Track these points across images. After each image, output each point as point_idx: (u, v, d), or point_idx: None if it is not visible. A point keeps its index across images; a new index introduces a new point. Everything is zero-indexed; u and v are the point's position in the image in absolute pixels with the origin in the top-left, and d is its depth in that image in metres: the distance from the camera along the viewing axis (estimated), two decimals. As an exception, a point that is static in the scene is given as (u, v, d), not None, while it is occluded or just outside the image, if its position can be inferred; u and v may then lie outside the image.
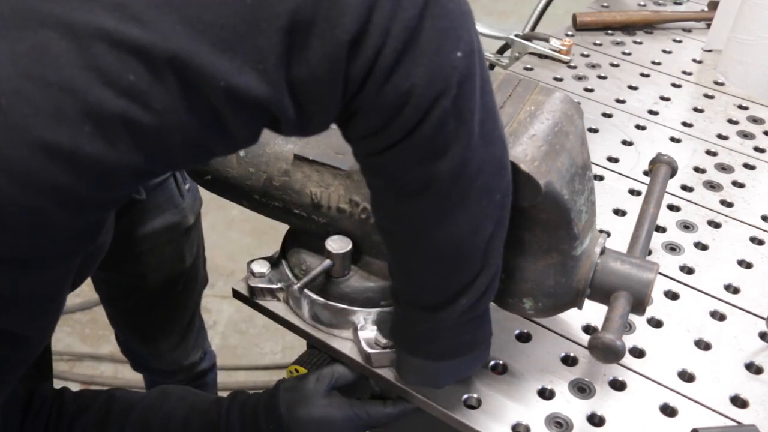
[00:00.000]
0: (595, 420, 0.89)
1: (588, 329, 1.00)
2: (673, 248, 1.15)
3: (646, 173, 1.28)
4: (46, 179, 0.54)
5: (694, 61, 1.63)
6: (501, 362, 0.95)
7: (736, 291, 1.08)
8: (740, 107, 1.49)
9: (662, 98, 1.50)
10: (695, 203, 1.24)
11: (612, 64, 1.60)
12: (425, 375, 0.86)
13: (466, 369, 0.88)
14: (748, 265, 1.12)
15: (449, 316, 0.77)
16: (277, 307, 0.98)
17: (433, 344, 0.82)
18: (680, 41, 1.70)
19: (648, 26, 1.74)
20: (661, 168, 1.05)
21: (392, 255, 0.78)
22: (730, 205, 1.24)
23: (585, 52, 1.64)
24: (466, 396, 0.90)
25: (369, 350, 0.90)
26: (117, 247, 1.30)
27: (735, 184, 1.29)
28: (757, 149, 1.37)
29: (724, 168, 1.32)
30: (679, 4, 1.85)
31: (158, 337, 1.57)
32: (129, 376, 2.29)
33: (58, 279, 0.67)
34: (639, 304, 0.83)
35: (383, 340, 0.89)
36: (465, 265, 0.74)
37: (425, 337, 0.81)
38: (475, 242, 0.72)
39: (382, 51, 0.58)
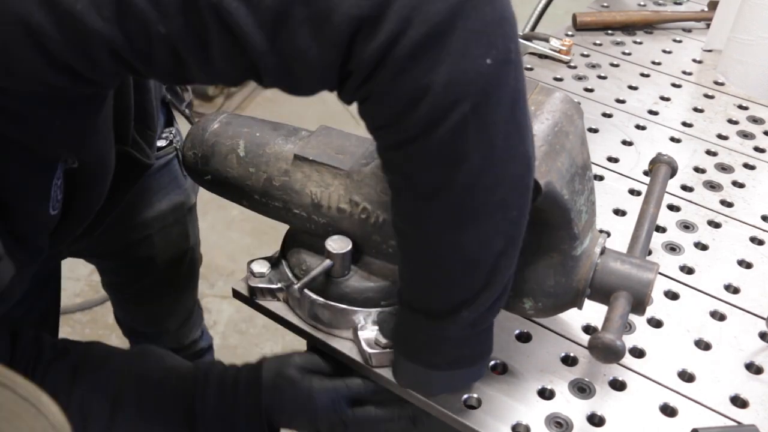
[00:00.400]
0: (595, 420, 0.89)
1: (588, 329, 1.00)
2: (673, 248, 1.15)
3: (646, 173, 1.28)
4: (23, 15, 0.56)
5: (694, 61, 1.63)
6: (501, 362, 0.95)
7: (736, 291, 1.08)
8: (740, 107, 1.49)
9: (662, 98, 1.50)
10: (695, 203, 1.24)
11: (612, 64, 1.60)
12: (419, 381, 0.86)
13: (461, 382, 0.87)
14: (748, 265, 1.12)
15: (451, 326, 0.77)
16: (277, 307, 0.98)
17: (431, 353, 0.81)
18: (680, 41, 1.70)
19: (648, 26, 1.74)
20: (661, 168, 1.05)
21: (402, 255, 0.78)
22: (730, 205, 1.24)
23: (585, 52, 1.64)
24: (466, 396, 0.90)
25: (369, 350, 0.90)
26: (126, 232, 1.32)
27: (735, 184, 1.29)
28: (757, 149, 1.37)
29: (724, 168, 1.32)
30: (679, 4, 1.85)
31: (167, 317, 1.59)
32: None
33: (39, 137, 0.70)
34: (639, 304, 0.83)
35: (383, 340, 0.89)
36: (470, 277, 0.73)
37: (425, 345, 0.81)
38: (483, 256, 0.71)
39: (400, 39, 0.57)
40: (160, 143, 1.28)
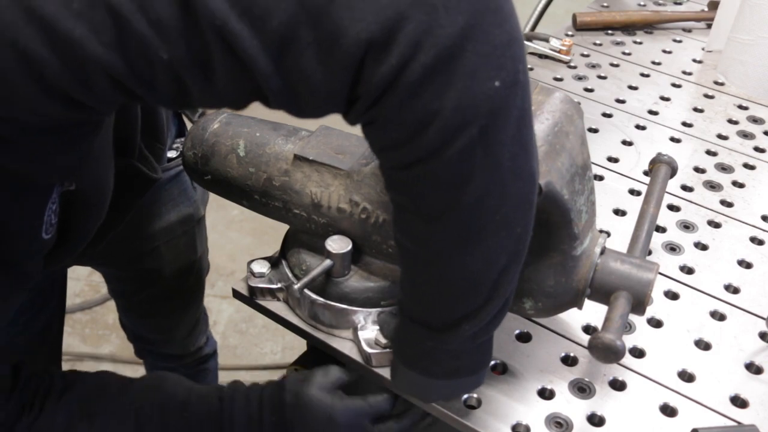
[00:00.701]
0: (595, 420, 0.89)
1: (588, 329, 1.00)
2: (673, 248, 1.15)
3: (646, 173, 1.28)
4: (17, 40, 0.54)
5: (694, 61, 1.63)
6: (501, 362, 0.95)
7: (736, 291, 1.08)
8: (740, 107, 1.49)
9: (662, 98, 1.50)
10: (695, 203, 1.24)
11: (612, 64, 1.60)
12: (417, 388, 0.86)
13: (460, 390, 0.87)
14: (748, 265, 1.12)
15: (451, 339, 0.76)
16: (277, 307, 0.98)
17: (430, 363, 0.81)
18: (680, 41, 1.70)
19: (648, 26, 1.74)
20: (661, 168, 1.05)
21: (403, 269, 0.77)
22: (730, 205, 1.24)
23: (585, 52, 1.64)
24: (466, 396, 0.90)
25: (369, 350, 0.90)
26: (133, 243, 1.31)
27: (735, 184, 1.29)
28: (757, 149, 1.37)
29: (724, 168, 1.32)
30: (679, 4, 1.85)
31: (174, 326, 1.59)
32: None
33: (33, 175, 0.68)
34: (639, 304, 0.83)
35: (383, 340, 0.89)
36: (472, 294, 0.72)
37: (424, 355, 0.80)
38: (486, 273, 0.70)
39: (410, 64, 0.56)
40: (171, 154, 1.26)
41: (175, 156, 1.27)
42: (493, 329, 0.78)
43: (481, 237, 0.67)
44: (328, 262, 0.88)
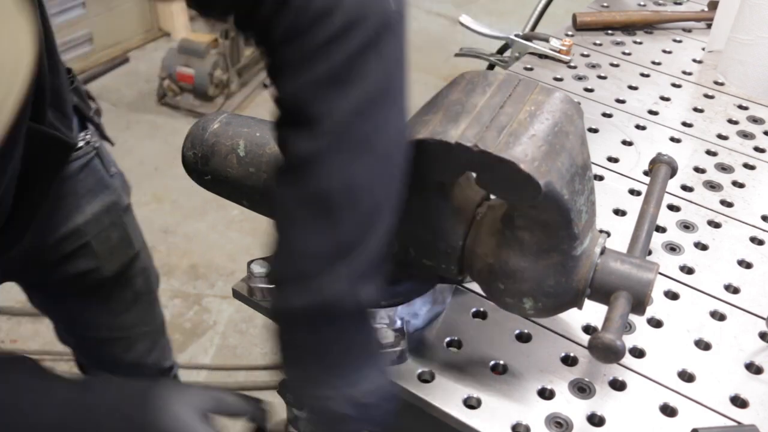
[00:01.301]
0: (595, 420, 0.89)
1: (588, 329, 1.00)
2: (673, 248, 1.15)
3: (646, 173, 1.28)
4: None
5: (694, 61, 1.63)
6: (501, 362, 0.95)
7: (736, 291, 1.08)
8: (740, 107, 1.49)
9: (662, 98, 1.50)
10: (695, 203, 1.24)
11: (612, 64, 1.60)
12: (314, 397, 0.77)
13: (364, 390, 0.76)
14: (748, 265, 1.12)
15: (328, 287, 0.70)
16: (277, 307, 0.98)
17: (316, 354, 0.75)
18: (680, 41, 1.70)
19: (648, 26, 1.74)
20: (661, 168, 1.05)
21: (279, 215, 0.74)
22: (730, 205, 1.24)
23: (585, 52, 1.64)
24: (466, 396, 0.90)
25: (369, 350, 0.90)
26: (59, 243, 1.25)
27: (735, 184, 1.29)
28: (757, 149, 1.37)
29: (724, 168, 1.32)
30: (679, 4, 1.85)
31: (131, 336, 1.49)
32: (129, 376, 2.29)
33: None
34: (639, 304, 0.83)
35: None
36: (347, 215, 0.70)
37: (309, 345, 0.74)
38: (364, 193, 0.70)
39: None
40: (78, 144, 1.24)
41: (81, 146, 1.23)
42: (369, 282, 0.72)
43: (363, 150, 0.71)
44: (328, 262, 0.88)
